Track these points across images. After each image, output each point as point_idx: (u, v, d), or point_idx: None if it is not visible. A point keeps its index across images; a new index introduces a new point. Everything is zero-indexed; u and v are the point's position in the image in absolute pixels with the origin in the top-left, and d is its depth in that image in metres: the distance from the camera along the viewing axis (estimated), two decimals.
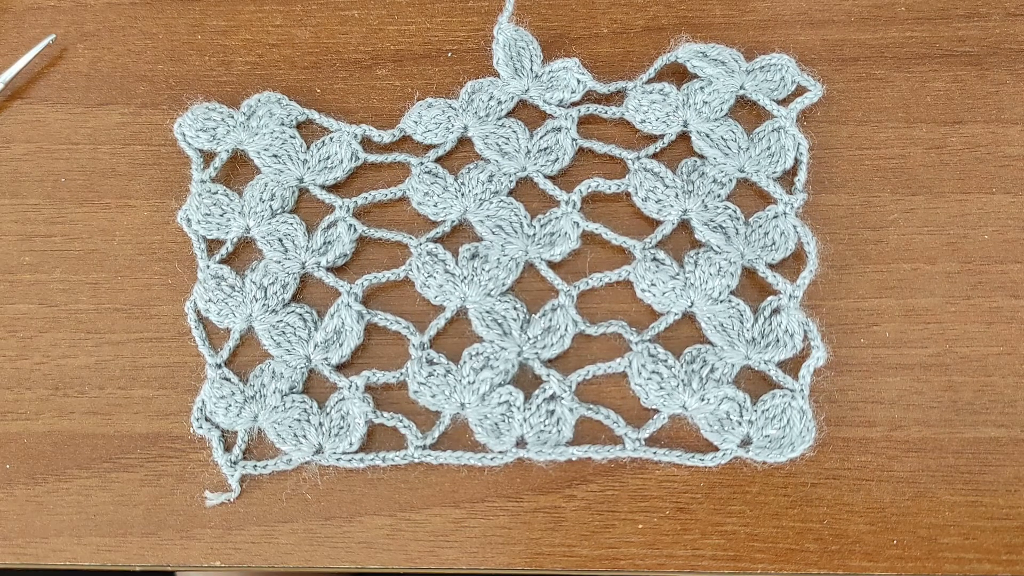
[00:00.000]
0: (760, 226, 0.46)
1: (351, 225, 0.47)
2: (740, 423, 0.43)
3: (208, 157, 0.49)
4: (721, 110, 0.47)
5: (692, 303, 0.45)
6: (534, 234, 0.46)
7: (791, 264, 0.46)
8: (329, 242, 0.46)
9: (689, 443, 0.44)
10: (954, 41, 0.49)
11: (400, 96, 0.50)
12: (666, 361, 0.44)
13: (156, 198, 0.48)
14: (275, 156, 0.48)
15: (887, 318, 0.45)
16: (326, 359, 0.45)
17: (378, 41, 0.51)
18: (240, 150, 0.48)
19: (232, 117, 0.49)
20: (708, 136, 0.47)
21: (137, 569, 0.44)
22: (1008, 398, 0.44)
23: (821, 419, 0.44)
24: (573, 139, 0.47)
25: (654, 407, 0.44)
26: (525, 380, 0.45)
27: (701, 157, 0.47)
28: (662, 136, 0.48)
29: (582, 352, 0.45)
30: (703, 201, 0.46)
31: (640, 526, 0.44)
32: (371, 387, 0.45)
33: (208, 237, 0.47)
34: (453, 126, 0.48)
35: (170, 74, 0.50)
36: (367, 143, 0.49)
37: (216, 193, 0.47)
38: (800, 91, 0.48)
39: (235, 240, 0.47)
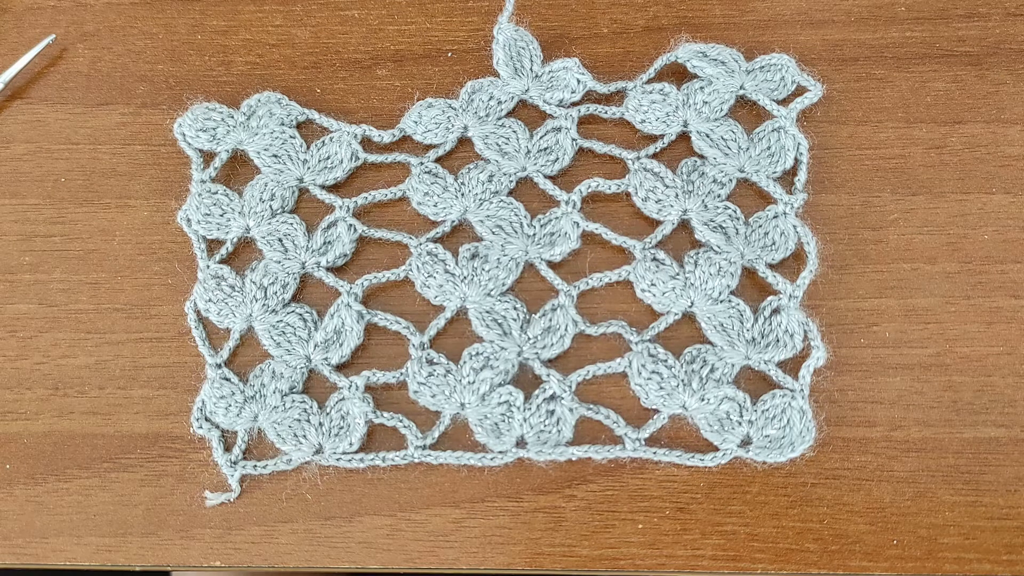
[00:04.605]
0: (760, 226, 0.46)
1: (351, 225, 0.47)
2: (740, 423, 0.43)
3: (208, 157, 0.49)
4: (721, 110, 0.47)
5: (692, 303, 0.45)
6: (534, 234, 0.46)
7: (791, 264, 0.46)
8: (329, 242, 0.46)
9: (689, 443, 0.44)
10: (954, 41, 0.49)
11: (400, 96, 0.50)
12: (666, 361, 0.44)
13: (156, 198, 0.48)
14: (275, 156, 0.48)
15: (887, 318, 0.45)
16: (326, 359, 0.45)
17: (378, 41, 0.51)
18: (240, 150, 0.48)
19: (232, 117, 0.49)
20: (708, 136, 0.47)
21: (137, 569, 0.44)
22: (1008, 398, 0.44)
23: (821, 419, 0.44)
24: (573, 139, 0.47)
25: (654, 407, 0.44)
26: (525, 380, 0.45)
27: (701, 157, 0.47)
28: (662, 136, 0.48)
29: (582, 352, 0.45)
30: (703, 201, 0.46)
31: (640, 526, 0.44)
32: (371, 387, 0.45)
33: (208, 237, 0.47)
34: (453, 126, 0.48)
35: (170, 74, 0.50)
36: (367, 143, 0.49)
37: (216, 193, 0.47)
38: (800, 91, 0.48)
39: (235, 240, 0.47)
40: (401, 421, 0.44)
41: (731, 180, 0.46)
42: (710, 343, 0.45)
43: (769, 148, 0.47)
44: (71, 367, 0.46)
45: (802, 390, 0.43)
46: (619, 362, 0.44)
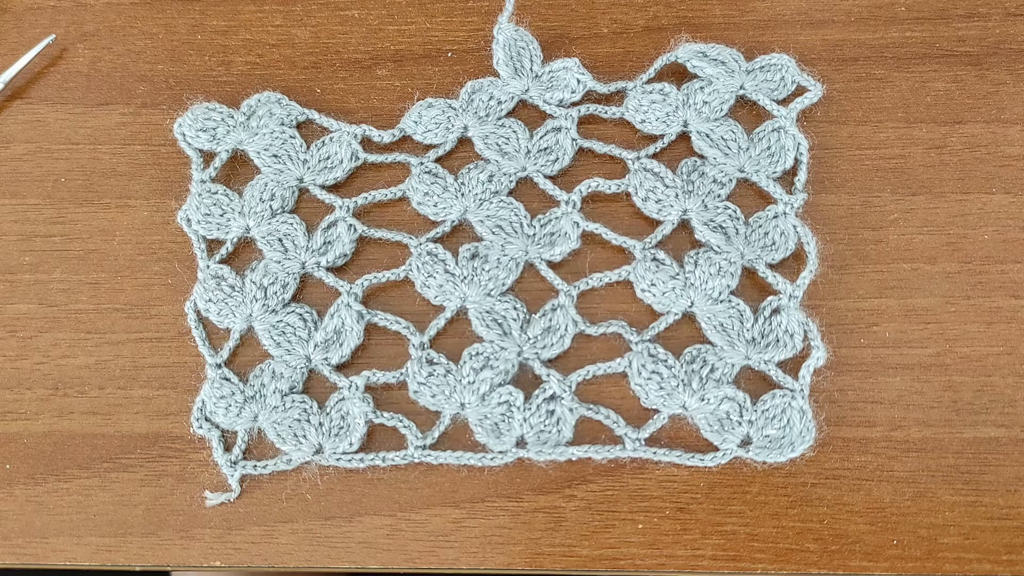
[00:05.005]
0: (760, 226, 0.46)
1: (351, 225, 0.47)
2: (740, 423, 0.43)
3: (208, 157, 0.49)
4: (721, 110, 0.47)
5: (692, 303, 0.45)
6: (534, 234, 0.46)
7: (791, 264, 0.46)
8: (329, 242, 0.46)
9: (689, 443, 0.44)
10: (954, 41, 0.49)
11: (400, 96, 0.50)
12: (666, 361, 0.44)
13: (156, 198, 0.48)
14: (275, 156, 0.48)
15: (887, 318, 0.45)
16: (326, 359, 0.45)
17: (378, 41, 0.51)
18: (240, 150, 0.48)
19: (232, 117, 0.49)
20: (708, 136, 0.47)
21: (137, 569, 0.44)
22: (1008, 398, 0.44)
23: (821, 419, 0.44)
24: (573, 139, 0.47)
25: (654, 407, 0.44)
26: (525, 380, 0.45)
27: (701, 157, 0.47)
28: (662, 136, 0.48)
29: (582, 352, 0.45)
30: (703, 201, 0.46)
31: (640, 526, 0.44)
32: (371, 387, 0.45)
33: (208, 237, 0.47)
34: (453, 126, 0.48)
35: (170, 74, 0.50)
36: (367, 143, 0.49)
37: (216, 193, 0.47)
38: (800, 91, 0.48)
39: (235, 240, 0.47)
40: (401, 421, 0.44)
41: (731, 180, 0.46)
42: (710, 343, 0.45)
43: (769, 148, 0.47)
44: (71, 367, 0.46)
45: (802, 390, 0.43)
46: (619, 362, 0.44)
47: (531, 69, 0.49)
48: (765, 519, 0.43)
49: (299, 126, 0.49)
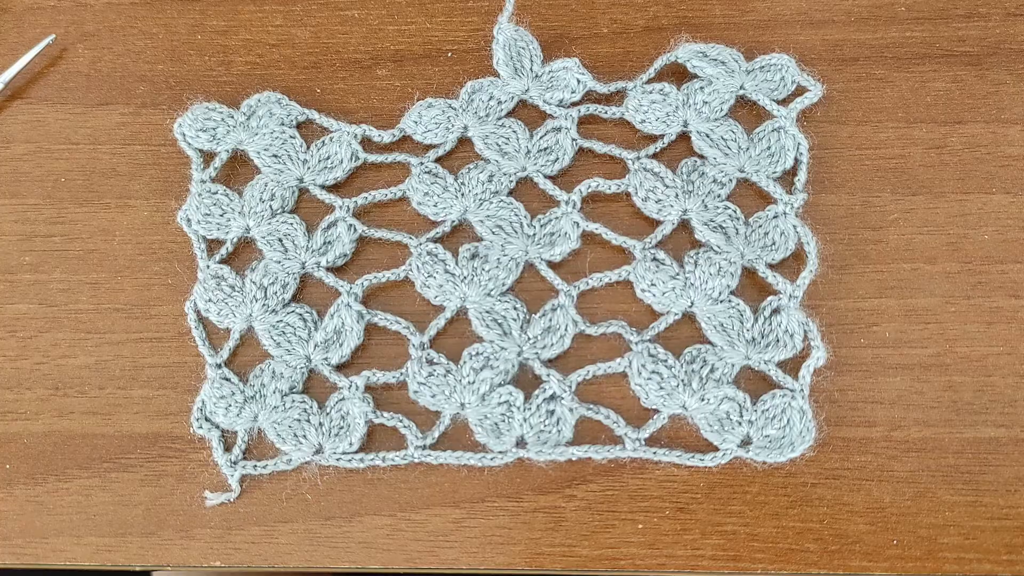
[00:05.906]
0: (760, 226, 0.46)
1: (351, 225, 0.47)
2: (740, 423, 0.43)
3: (208, 157, 0.49)
4: (721, 110, 0.47)
5: (692, 303, 0.45)
6: (534, 234, 0.46)
7: (791, 264, 0.46)
8: (329, 242, 0.46)
9: (689, 443, 0.44)
10: (954, 41, 0.49)
11: (400, 96, 0.50)
12: (666, 361, 0.44)
13: (156, 198, 0.48)
14: (275, 156, 0.48)
15: (887, 318, 0.45)
16: (326, 359, 0.45)
17: (378, 41, 0.51)
18: (240, 150, 0.48)
19: (232, 117, 0.49)
20: (708, 136, 0.47)
21: (137, 569, 0.44)
22: (1008, 398, 0.44)
23: (821, 419, 0.44)
24: (573, 139, 0.47)
25: (654, 407, 0.44)
26: (525, 380, 0.45)
27: (701, 157, 0.47)
28: (662, 136, 0.48)
29: (582, 352, 0.45)
30: (703, 201, 0.46)
31: (640, 526, 0.44)
32: (371, 387, 0.45)
33: (208, 237, 0.47)
34: (453, 126, 0.48)
35: (170, 74, 0.50)
36: (367, 143, 0.49)
37: (216, 193, 0.47)
38: (800, 91, 0.48)
39: (235, 240, 0.47)
40: (401, 421, 0.44)
41: (731, 180, 0.46)
42: (710, 343, 0.45)
43: (769, 148, 0.47)
44: (71, 367, 0.46)
45: (802, 390, 0.43)
46: (619, 362, 0.44)
47: (531, 69, 0.49)
48: (765, 519, 0.43)
49: (299, 126, 0.49)
